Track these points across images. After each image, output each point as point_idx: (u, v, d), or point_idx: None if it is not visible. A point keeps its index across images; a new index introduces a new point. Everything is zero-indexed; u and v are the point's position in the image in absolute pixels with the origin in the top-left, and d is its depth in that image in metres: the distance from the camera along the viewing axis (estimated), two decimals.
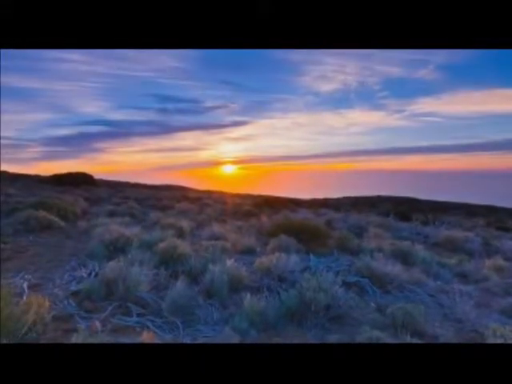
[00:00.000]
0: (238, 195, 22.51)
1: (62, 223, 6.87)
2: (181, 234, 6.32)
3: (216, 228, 6.93)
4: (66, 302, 3.15)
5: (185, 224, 7.06)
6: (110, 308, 3.08)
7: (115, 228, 5.38)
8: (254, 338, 2.76)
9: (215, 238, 6.12)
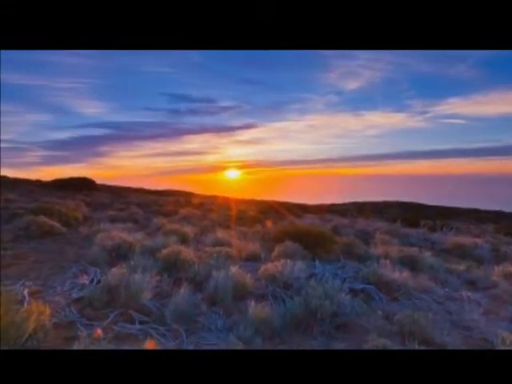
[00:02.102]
0: (243, 200, 22.46)
1: (64, 229, 6.86)
2: (184, 240, 6.28)
3: (220, 234, 6.90)
4: (67, 310, 3.11)
5: (188, 230, 7.03)
6: (112, 315, 3.03)
7: (117, 234, 5.35)
8: (258, 346, 2.70)
9: (219, 244, 6.07)
